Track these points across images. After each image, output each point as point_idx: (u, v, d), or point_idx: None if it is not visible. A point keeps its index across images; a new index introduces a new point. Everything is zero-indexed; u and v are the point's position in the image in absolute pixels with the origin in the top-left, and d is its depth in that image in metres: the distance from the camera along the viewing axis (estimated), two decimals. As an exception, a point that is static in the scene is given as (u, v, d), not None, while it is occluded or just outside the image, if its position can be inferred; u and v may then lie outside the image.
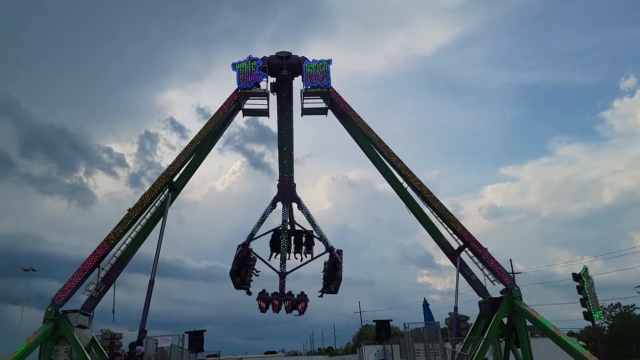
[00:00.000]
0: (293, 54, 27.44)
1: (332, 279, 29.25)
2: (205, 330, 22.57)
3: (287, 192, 30.50)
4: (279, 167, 29.85)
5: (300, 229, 31.09)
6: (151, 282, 22.31)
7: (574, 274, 21.57)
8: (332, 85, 26.78)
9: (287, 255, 30.40)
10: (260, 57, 26.94)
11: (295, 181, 30.67)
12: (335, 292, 29.45)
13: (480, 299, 24.60)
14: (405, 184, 26.17)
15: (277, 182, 30.62)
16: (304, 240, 30.57)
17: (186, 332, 21.64)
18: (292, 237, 30.74)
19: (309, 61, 27.18)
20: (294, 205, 31.24)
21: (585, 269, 21.40)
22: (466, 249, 24.82)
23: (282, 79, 26.61)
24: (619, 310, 61.77)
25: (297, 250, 30.39)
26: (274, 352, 24.48)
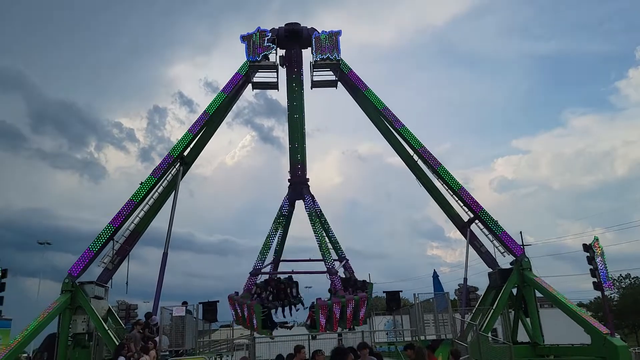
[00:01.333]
0: (302, 25, 27.23)
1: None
2: (218, 301, 23.01)
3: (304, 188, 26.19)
4: (290, 155, 26.84)
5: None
6: (165, 255, 22.71)
7: (584, 245, 21.50)
8: (342, 57, 26.58)
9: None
10: (268, 29, 26.73)
11: (306, 156, 27.09)
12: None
13: (490, 270, 24.76)
14: (415, 157, 26.11)
15: (289, 177, 26.67)
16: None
17: (200, 303, 22.06)
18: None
19: (318, 33, 26.92)
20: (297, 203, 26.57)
21: (596, 240, 21.35)
22: (476, 221, 24.88)
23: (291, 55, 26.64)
24: (628, 281, 61.93)
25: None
26: (286, 323, 23.79)
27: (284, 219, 25.96)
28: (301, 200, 25.97)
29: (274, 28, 26.96)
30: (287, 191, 26.34)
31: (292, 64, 27.34)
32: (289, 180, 26.70)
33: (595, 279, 20.82)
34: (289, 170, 26.92)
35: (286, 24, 27.03)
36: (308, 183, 26.59)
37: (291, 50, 27.25)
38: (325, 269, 23.03)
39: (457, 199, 25.24)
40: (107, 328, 20.48)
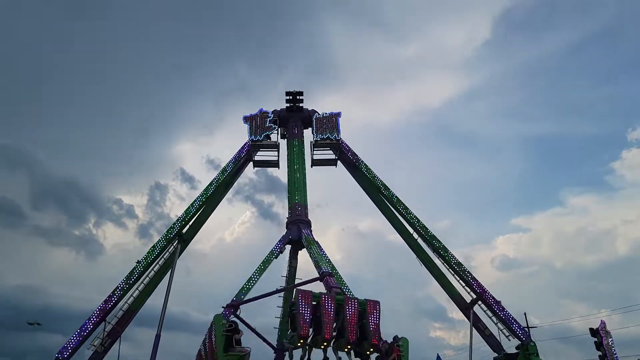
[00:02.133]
0: (302, 95, 28.21)
1: None
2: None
3: (298, 229, 25.53)
4: (289, 193, 26.67)
5: None
6: (157, 337, 21.83)
7: (591, 329, 20.85)
8: (342, 136, 27.25)
9: None
10: (270, 111, 27.61)
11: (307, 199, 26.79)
12: None
13: (496, 354, 23.78)
14: (415, 235, 25.95)
15: (287, 217, 26.28)
16: None
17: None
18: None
19: (319, 114, 27.79)
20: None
21: (603, 324, 20.71)
22: (479, 302, 24.25)
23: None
24: (640, 367, 59.30)
25: None
26: None
27: (270, 260, 24.82)
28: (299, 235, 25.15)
29: (275, 110, 27.87)
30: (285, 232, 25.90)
31: (293, 125, 28.31)
32: (288, 219, 26.24)
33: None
34: (289, 210, 26.56)
35: (287, 92, 28.18)
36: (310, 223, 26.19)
37: (292, 123, 28.31)
38: None
39: (458, 279, 24.77)
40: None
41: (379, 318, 17.51)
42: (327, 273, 20.82)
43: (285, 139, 28.42)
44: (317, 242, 24.74)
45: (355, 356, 18.17)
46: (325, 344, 16.98)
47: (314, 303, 16.69)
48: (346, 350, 17.55)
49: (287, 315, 18.12)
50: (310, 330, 16.38)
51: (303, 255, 27.10)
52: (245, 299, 22.31)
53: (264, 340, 24.76)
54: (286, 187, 27.96)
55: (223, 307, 19.76)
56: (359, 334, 17.13)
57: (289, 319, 17.46)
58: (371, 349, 17.57)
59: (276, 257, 25.21)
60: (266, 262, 24.46)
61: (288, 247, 26.63)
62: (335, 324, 16.68)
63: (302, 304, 16.29)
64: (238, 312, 21.74)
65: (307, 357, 17.96)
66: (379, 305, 17.78)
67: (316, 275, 21.52)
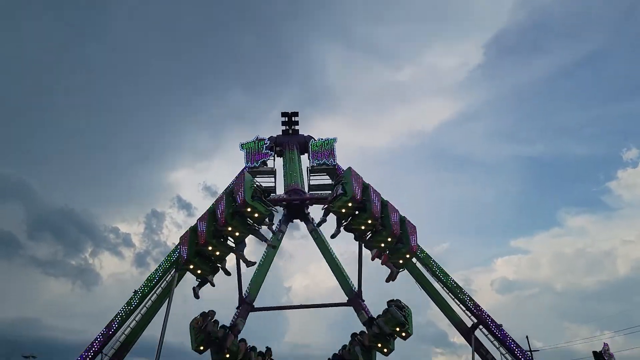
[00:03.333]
0: (300, 131, 28.52)
1: None
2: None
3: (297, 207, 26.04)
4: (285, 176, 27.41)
5: None
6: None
7: (594, 352, 20.65)
8: (338, 161, 27.37)
9: None
10: (267, 137, 27.79)
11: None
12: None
13: (499, 381, 23.44)
14: (413, 259, 25.79)
15: (283, 194, 26.49)
16: None
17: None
18: None
19: (315, 139, 27.98)
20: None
21: (607, 348, 20.53)
22: (480, 327, 24.00)
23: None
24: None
25: None
26: None
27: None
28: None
29: (272, 136, 28.05)
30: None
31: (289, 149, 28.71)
32: (283, 201, 26.37)
33: (610, 390, 19.71)
34: (284, 191, 26.93)
35: (282, 113, 28.95)
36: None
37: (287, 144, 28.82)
38: None
39: (459, 303, 24.56)
40: None
41: (416, 240, 18.69)
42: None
43: (282, 157, 28.66)
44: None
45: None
46: (370, 221, 17.68)
47: (362, 187, 17.68)
48: (382, 245, 18.38)
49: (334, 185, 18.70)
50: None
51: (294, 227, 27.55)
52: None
53: None
54: (283, 211, 27.96)
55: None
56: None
57: (335, 187, 18.22)
58: (407, 256, 18.91)
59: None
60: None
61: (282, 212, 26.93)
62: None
63: (354, 179, 17.37)
64: None
65: (338, 228, 18.54)
66: (416, 230, 18.94)
67: None
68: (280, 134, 28.73)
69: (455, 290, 24.34)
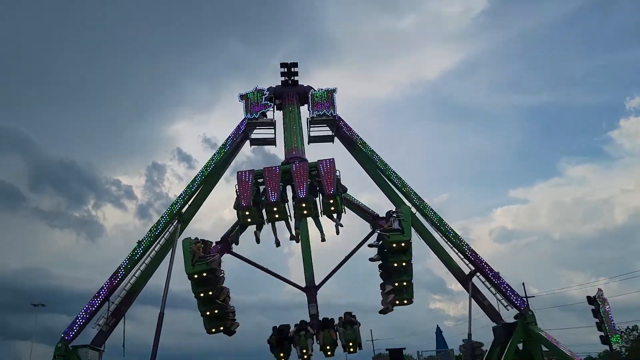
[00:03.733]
0: (299, 81, 28.08)
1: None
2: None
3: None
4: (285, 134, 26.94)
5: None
6: (161, 315, 22.14)
7: (588, 297, 21.21)
8: (338, 112, 27.17)
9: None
10: (266, 88, 27.45)
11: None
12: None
13: (494, 324, 24.20)
14: (413, 209, 26.09)
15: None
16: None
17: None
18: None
19: (315, 90, 27.65)
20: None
21: (600, 292, 21.05)
22: (478, 274, 24.56)
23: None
24: (636, 333, 60.39)
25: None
26: None
27: None
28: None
29: (271, 87, 27.70)
30: None
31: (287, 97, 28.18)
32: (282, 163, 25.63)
33: (602, 333, 20.35)
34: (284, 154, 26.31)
35: (282, 64, 28.19)
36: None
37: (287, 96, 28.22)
38: None
39: (457, 251, 25.02)
40: (100, 394, 19.72)
41: (334, 174, 19.33)
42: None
43: (281, 110, 28.28)
44: None
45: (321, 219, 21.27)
46: (276, 209, 19.85)
47: (259, 180, 19.57)
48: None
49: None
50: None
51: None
52: None
53: None
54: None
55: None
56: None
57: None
58: (331, 207, 20.10)
59: None
60: None
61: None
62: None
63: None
64: None
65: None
66: (333, 162, 19.83)
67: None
68: (280, 84, 28.31)
69: (454, 239, 24.71)
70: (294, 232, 21.66)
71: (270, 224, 21.24)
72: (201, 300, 21.24)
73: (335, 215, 20.93)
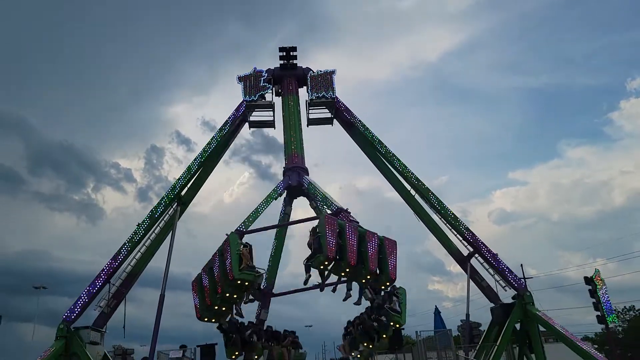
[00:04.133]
0: (298, 64, 27.88)
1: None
2: (216, 344, 22.49)
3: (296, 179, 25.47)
4: (285, 144, 27.03)
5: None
6: (162, 297, 22.33)
7: (585, 278, 21.40)
8: (337, 94, 27.04)
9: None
10: (264, 69, 27.27)
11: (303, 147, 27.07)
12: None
13: (492, 305, 24.42)
14: (413, 192, 26.15)
15: (284, 166, 26.62)
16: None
17: (198, 346, 21.57)
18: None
19: (314, 72, 27.47)
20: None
21: (597, 272, 21.22)
22: (476, 255, 24.71)
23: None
24: (632, 313, 61.03)
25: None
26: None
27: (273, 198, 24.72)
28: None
29: (269, 68, 27.52)
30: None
31: (286, 83, 28.19)
32: (285, 168, 26.44)
33: (598, 313, 20.57)
34: (284, 160, 26.69)
35: (280, 48, 27.92)
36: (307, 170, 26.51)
37: (286, 81, 28.19)
38: None
39: (456, 233, 25.13)
40: (102, 375, 19.94)
41: (396, 258, 17.77)
42: (342, 209, 20.41)
43: (280, 97, 28.21)
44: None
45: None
46: (348, 270, 17.18)
47: (338, 230, 16.77)
48: (363, 281, 18.10)
49: (310, 240, 17.75)
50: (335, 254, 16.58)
51: (298, 203, 27.81)
52: (250, 228, 22.31)
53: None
54: (283, 147, 28.01)
55: (227, 234, 18.60)
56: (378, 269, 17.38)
57: (311, 243, 17.57)
58: (387, 283, 18.06)
59: (278, 197, 25.18)
60: (268, 200, 24.32)
61: (283, 195, 26.81)
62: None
63: (329, 229, 16.40)
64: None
65: (323, 282, 18.30)
66: (397, 245, 17.98)
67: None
68: (278, 67, 28.11)
69: (453, 222, 24.81)
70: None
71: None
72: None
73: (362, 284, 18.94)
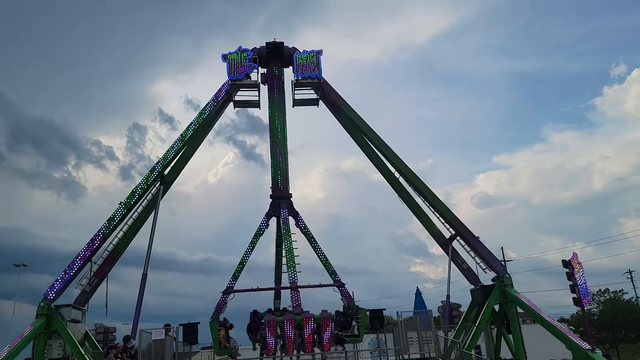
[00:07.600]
0: (285, 44, 27.46)
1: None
2: (199, 323, 22.57)
3: (282, 203, 26.65)
4: (272, 171, 27.45)
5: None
6: (144, 275, 22.30)
7: (563, 261, 21.77)
8: (324, 75, 26.81)
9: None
10: (250, 48, 26.88)
11: (288, 172, 27.58)
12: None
13: (473, 286, 24.84)
14: (397, 174, 26.26)
15: (270, 193, 27.29)
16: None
17: (180, 325, 21.63)
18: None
19: (300, 52, 27.16)
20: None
21: (575, 256, 21.65)
22: (458, 238, 25.01)
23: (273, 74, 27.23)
24: (607, 296, 62.70)
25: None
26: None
27: (259, 236, 26.35)
28: (280, 217, 26.26)
29: (255, 47, 27.13)
30: (268, 208, 26.78)
31: (274, 82, 27.62)
32: (270, 196, 27.09)
33: (575, 295, 21.03)
34: (271, 186, 27.21)
35: (267, 43, 27.22)
36: (291, 198, 27.07)
37: (273, 68, 27.52)
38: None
39: (438, 216, 25.37)
40: (83, 353, 19.91)
41: (331, 331, 20.94)
42: (339, 282, 24.43)
43: (266, 85, 27.88)
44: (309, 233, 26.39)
45: None
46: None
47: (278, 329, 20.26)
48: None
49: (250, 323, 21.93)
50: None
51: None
52: (237, 289, 24.76)
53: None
54: (267, 127, 27.86)
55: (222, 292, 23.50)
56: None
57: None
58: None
59: (262, 235, 26.43)
60: (253, 242, 26.01)
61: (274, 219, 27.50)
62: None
63: (269, 332, 20.01)
64: (231, 297, 24.34)
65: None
66: (333, 319, 21.30)
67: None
68: (264, 46, 27.61)
69: (436, 205, 25.00)
70: None
71: None
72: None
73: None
